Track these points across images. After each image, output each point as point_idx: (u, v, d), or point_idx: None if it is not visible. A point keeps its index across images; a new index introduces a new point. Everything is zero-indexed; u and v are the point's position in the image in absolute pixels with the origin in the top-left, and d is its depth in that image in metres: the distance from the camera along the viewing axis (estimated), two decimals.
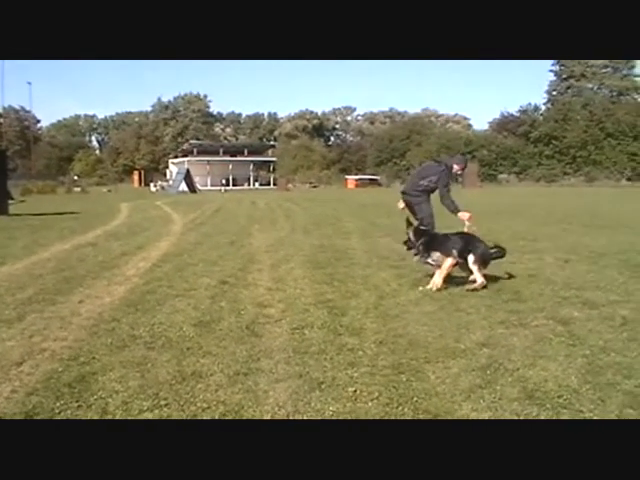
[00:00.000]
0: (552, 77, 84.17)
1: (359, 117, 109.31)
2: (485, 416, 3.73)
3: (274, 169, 72.77)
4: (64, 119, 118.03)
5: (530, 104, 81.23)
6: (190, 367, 4.65)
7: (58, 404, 3.90)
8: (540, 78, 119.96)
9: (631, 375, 4.42)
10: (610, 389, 4.16)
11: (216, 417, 3.72)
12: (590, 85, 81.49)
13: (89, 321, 6.00)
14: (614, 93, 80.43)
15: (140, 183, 75.02)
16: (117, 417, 3.72)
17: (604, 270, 8.81)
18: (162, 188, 60.01)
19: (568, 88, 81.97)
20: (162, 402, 3.95)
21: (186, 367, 4.65)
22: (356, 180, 68.57)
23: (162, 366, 4.68)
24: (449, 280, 7.70)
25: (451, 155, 12.31)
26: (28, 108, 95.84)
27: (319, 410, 3.82)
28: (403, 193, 9.72)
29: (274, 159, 74.23)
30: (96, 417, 3.72)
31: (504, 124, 78.25)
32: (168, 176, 68.46)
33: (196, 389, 4.20)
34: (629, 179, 66.87)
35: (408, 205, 9.40)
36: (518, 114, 79.78)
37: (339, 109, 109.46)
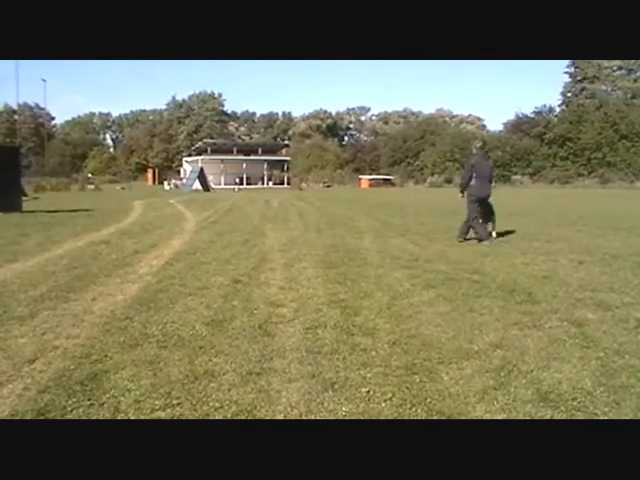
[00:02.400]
0: (567, 79, 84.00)
1: (373, 117, 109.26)
2: (499, 418, 3.71)
3: (288, 168, 72.77)
4: (78, 116, 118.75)
5: (545, 105, 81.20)
6: (202, 366, 4.65)
7: (70, 402, 3.90)
8: (555, 80, 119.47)
9: None
10: (624, 392, 4.14)
11: (229, 417, 3.72)
12: (604, 87, 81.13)
13: (102, 319, 6.00)
14: (628, 95, 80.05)
15: (154, 181, 75.16)
16: (129, 416, 3.72)
17: (618, 272, 8.76)
18: (176, 186, 60.14)
19: (582, 90, 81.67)
20: (174, 401, 3.95)
21: (198, 366, 4.65)
22: (370, 180, 68.52)
23: (174, 365, 4.68)
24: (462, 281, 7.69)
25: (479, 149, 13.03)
26: (42, 105, 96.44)
27: (332, 410, 3.81)
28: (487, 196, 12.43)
29: (288, 158, 74.23)
30: (108, 415, 3.71)
31: (518, 125, 78.03)
32: (182, 174, 68.62)
33: (208, 388, 4.20)
34: None
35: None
36: (533, 115, 79.56)
37: (353, 109, 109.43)
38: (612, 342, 5.26)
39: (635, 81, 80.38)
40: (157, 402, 3.92)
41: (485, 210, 12.61)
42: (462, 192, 12.78)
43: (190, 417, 3.71)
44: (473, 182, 12.33)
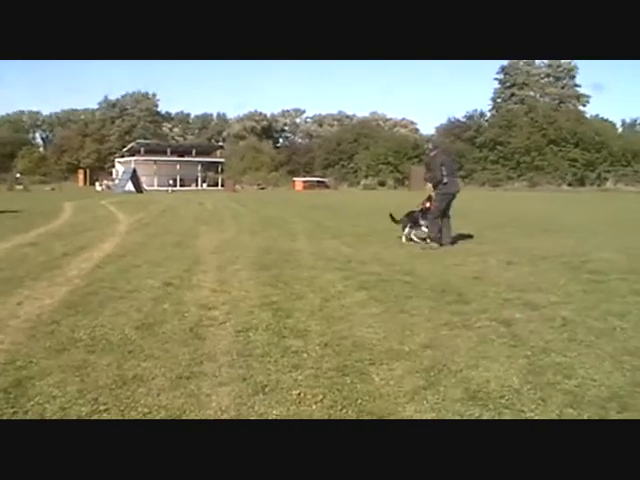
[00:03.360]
0: (497, 85, 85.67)
1: (308, 119, 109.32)
2: (428, 417, 3.75)
3: (222, 170, 72.16)
4: (7, 114, 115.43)
5: (476, 110, 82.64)
6: (131, 371, 4.56)
7: None
8: (486, 85, 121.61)
9: (571, 375, 4.49)
10: (551, 389, 4.23)
11: None
12: (532, 93, 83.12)
13: (27, 324, 5.82)
14: (555, 101, 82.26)
15: (85, 182, 73.54)
16: None
17: (545, 272, 8.97)
18: (108, 187, 59.06)
19: (512, 96, 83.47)
20: (101, 407, 3.86)
21: (127, 371, 4.56)
22: (304, 182, 68.54)
23: (102, 370, 4.57)
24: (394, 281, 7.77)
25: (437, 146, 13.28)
26: None
27: (262, 414, 3.78)
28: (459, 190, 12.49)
29: (222, 160, 73.66)
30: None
31: (450, 129, 79.29)
32: (114, 175, 67.36)
33: (137, 393, 4.12)
34: (570, 184, 68.66)
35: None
36: (464, 120, 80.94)
37: (288, 111, 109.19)
38: (539, 340, 5.38)
39: (562, 88, 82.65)
40: (83, 409, 3.83)
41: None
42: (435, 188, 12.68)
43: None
44: (446, 180, 12.31)
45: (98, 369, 4.59)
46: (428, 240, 12.36)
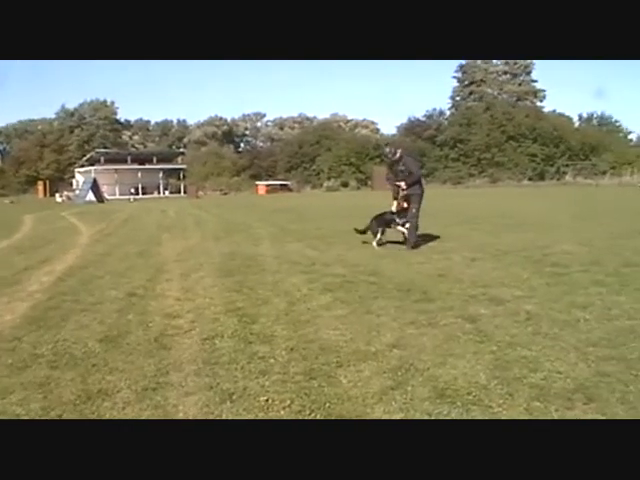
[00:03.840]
0: (455, 83, 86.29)
1: (269, 123, 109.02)
2: (397, 417, 3.74)
3: (184, 177, 71.56)
4: None
5: (435, 109, 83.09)
6: (96, 385, 4.49)
7: None
8: (444, 84, 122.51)
9: (537, 368, 4.53)
10: (517, 383, 4.26)
11: None
12: (490, 90, 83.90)
13: None
14: (513, 98, 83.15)
15: (45, 194, 72.45)
16: None
17: (509, 267, 9.05)
18: (68, 198, 58.25)
19: (470, 94, 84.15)
20: None
21: (91, 385, 4.49)
22: (266, 186, 68.32)
23: (66, 385, 4.50)
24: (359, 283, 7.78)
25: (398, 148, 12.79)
26: None
27: None
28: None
29: (184, 166, 72.99)
30: None
31: (411, 128, 79.63)
32: (74, 186, 66.42)
33: (102, 408, 4.06)
34: (530, 179, 69.47)
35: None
36: (424, 119, 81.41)
37: (249, 115, 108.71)
38: (504, 335, 5.42)
39: (520, 85, 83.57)
40: None
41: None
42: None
43: None
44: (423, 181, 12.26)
45: (62, 385, 4.52)
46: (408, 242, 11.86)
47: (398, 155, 12.26)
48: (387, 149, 12.82)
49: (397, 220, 12.10)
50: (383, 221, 12.24)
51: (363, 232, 12.37)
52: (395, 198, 12.21)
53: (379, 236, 12.08)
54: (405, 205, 12.00)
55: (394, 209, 12.11)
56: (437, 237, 13.12)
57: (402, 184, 11.91)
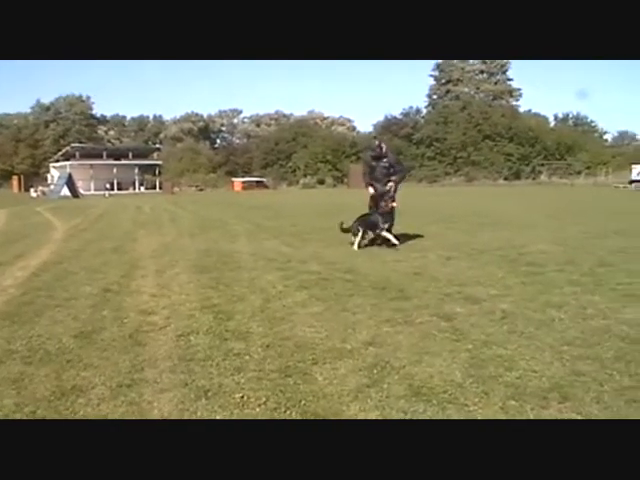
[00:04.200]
0: (432, 81, 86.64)
1: (245, 119, 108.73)
2: (373, 416, 3.73)
3: (160, 173, 71.17)
4: None
5: (412, 107, 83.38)
6: (70, 381, 4.43)
7: None
8: (421, 82, 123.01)
9: (512, 367, 4.55)
10: (493, 382, 4.26)
11: None
12: (467, 89, 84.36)
13: None
14: (490, 97, 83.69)
15: (20, 188, 71.71)
16: None
17: (484, 266, 9.09)
18: (43, 193, 57.67)
19: (447, 92, 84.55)
20: None
21: (66, 381, 4.42)
22: (242, 182, 68.22)
23: (40, 382, 4.43)
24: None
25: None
26: None
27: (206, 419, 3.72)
28: None
29: (160, 162, 72.62)
30: None
31: (388, 126, 79.82)
32: (49, 181, 65.86)
33: (76, 404, 4.00)
34: (506, 178, 70.21)
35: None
36: (401, 117, 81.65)
37: (225, 111, 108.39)
38: (480, 334, 5.43)
39: (496, 83, 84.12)
40: None
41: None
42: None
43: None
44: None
45: (36, 381, 4.45)
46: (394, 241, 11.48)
47: (384, 149, 11.93)
48: (377, 141, 12.41)
49: (381, 225, 11.54)
50: (366, 223, 11.64)
51: (347, 230, 11.86)
52: (373, 198, 11.87)
53: (359, 238, 11.45)
54: (394, 205, 11.65)
55: (382, 210, 11.59)
56: (413, 236, 13.13)
57: (391, 183, 11.60)
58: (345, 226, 11.94)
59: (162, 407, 3.92)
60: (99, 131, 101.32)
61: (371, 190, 11.80)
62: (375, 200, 11.86)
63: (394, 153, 12.71)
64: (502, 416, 3.69)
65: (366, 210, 12.16)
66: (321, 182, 71.20)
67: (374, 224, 11.62)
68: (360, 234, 11.47)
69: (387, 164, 11.70)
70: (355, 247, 11.35)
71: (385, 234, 11.53)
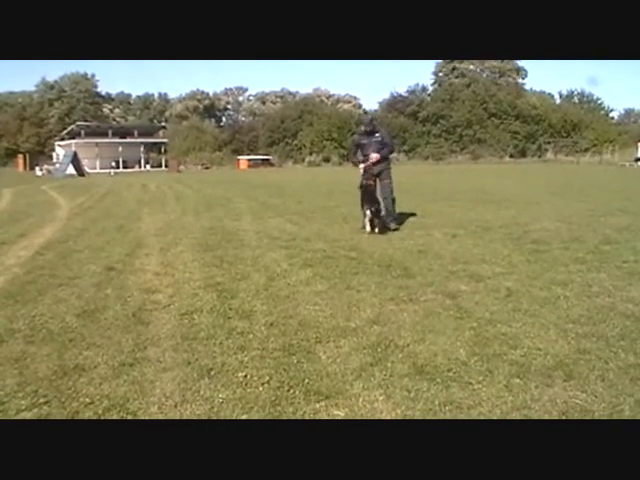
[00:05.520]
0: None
1: (251, 97, 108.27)
2: (376, 394, 3.72)
3: (165, 151, 71.06)
4: None
5: (417, 85, 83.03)
6: (72, 360, 4.42)
7: None
8: (427, 60, 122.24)
9: (517, 345, 4.53)
10: (497, 360, 4.25)
11: (100, 412, 3.54)
12: (473, 67, 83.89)
13: None
14: (496, 74, 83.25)
15: (25, 167, 71.63)
16: None
17: (489, 244, 9.05)
18: (48, 172, 57.53)
19: (453, 70, 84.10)
20: (41, 400, 3.74)
21: (68, 360, 4.42)
22: (248, 160, 68.12)
23: (42, 361, 4.43)
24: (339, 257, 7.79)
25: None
26: None
27: (208, 398, 3.72)
28: None
29: (165, 140, 72.50)
30: None
31: (393, 104, 79.47)
32: (54, 159, 65.77)
33: (78, 383, 3.99)
34: (512, 156, 69.96)
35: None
36: (407, 94, 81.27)
37: (231, 89, 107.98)
38: (484, 312, 5.41)
39: (502, 61, 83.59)
40: (23, 402, 3.70)
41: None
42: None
43: (58, 416, 3.50)
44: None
45: (38, 360, 4.45)
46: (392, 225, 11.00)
47: (375, 125, 11.70)
48: (368, 116, 12.25)
49: (381, 197, 11.04)
50: (372, 198, 10.83)
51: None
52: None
53: (369, 215, 10.63)
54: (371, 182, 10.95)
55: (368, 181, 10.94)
56: (418, 213, 13.09)
57: (373, 156, 10.99)
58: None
59: (164, 386, 3.91)
60: (104, 109, 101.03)
61: (361, 166, 11.22)
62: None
63: (385, 129, 12.39)
64: (506, 394, 3.68)
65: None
66: (327, 160, 71.03)
67: (374, 198, 10.91)
68: (369, 214, 10.65)
69: (380, 138, 11.28)
70: (368, 228, 10.58)
71: (384, 211, 11.03)
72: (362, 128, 11.64)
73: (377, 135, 11.30)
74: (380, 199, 11.02)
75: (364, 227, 10.69)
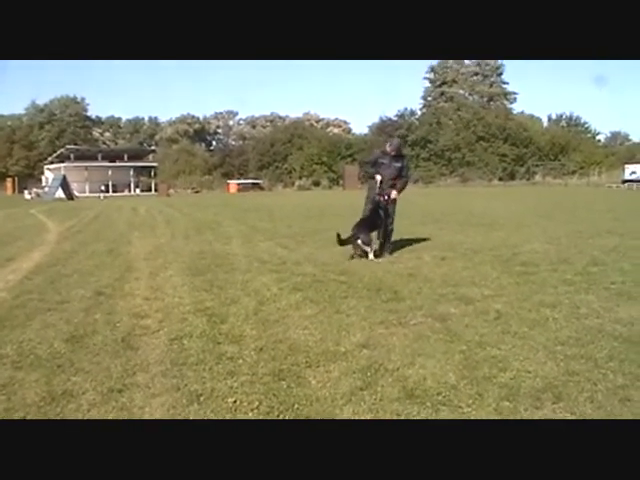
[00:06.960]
0: (427, 83, 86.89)
1: (241, 121, 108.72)
2: (367, 418, 3.71)
3: (155, 174, 70.93)
4: None
5: (406, 109, 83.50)
6: (61, 386, 4.39)
7: None
8: (416, 85, 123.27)
9: (506, 368, 4.53)
10: (487, 383, 4.25)
11: None
12: (462, 91, 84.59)
13: None
14: (484, 99, 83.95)
15: (14, 190, 71.56)
16: None
17: (478, 266, 9.08)
18: (37, 195, 57.44)
19: (442, 94, 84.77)
20: None
21: (56, 386, 4.39)
22: (238, 184, 68.20)
23: (30, 387, 4.39)
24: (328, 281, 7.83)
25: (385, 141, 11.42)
26: None
27: None
28: None
29: (155, 164, 72.38)
30: None
31: (383, 128, 79.85)
32: (44, 182, 65.63)
33: (67, 410, 3.97)
34: (500, 179, 70.41)
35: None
36: (396, 118, 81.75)
37: (221, 113, 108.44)
38: (474, 335, 5.42)
39: (491, 86, 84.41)
40: None
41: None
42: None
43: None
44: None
45: (26, 386, 4.41)
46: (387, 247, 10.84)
47: (401, 151, 11.19)
48: (398, 140, 11.68)
49: (383, 220, 10.66)
50: (369, 225, 10.57)
51: (345, 242, 10.44)
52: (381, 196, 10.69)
53: (373, 245, 10.40)
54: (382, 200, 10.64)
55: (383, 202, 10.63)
56: (407, 236, 13.11)
57: (393, 193, 10.68)
58: (343, 237, 10.44)
59: (153, 412, 3.88)
60: (94, 133, 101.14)
61: (378, 177, 10.70)
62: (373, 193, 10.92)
63: (407, 158, 11.79)
64: (496, 417, 3.68)
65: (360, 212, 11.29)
66: (317, 184, 71.22)
67: (378, 222, 10.65)
68: (371, 242, 10.32)
69: (399, 165, 10.81)
70: (371, 256, 10.19)
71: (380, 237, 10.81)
72: (387, 148, 10.92)
73: (399, 162, 10.83)
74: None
75: (363, 254, 10.27)
